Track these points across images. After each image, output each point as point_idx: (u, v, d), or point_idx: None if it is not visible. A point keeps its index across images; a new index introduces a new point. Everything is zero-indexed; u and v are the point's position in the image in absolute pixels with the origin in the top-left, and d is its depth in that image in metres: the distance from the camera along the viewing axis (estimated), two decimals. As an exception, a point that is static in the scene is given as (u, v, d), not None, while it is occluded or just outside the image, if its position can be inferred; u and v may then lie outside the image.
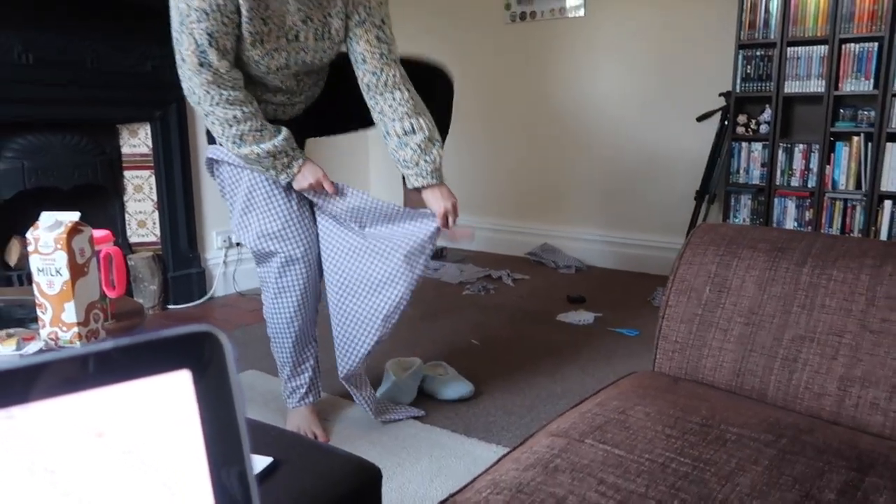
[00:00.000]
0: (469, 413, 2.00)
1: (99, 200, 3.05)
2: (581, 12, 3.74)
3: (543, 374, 2.30)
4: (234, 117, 1.53)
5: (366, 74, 1.66)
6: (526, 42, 3.96)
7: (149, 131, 3.04)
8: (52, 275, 1.19)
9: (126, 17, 2.82)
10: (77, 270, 1.20)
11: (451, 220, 1.72)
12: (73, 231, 1.20)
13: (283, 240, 1.72)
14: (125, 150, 3.06)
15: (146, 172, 3.09)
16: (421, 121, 1.67)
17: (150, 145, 3.05)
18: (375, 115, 1.70)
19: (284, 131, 1.61)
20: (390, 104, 1.66)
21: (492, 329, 2.77)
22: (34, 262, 1.19)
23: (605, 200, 3.85)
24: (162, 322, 2.96)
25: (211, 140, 1.74)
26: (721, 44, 3.32)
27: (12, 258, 2.77)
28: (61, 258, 1.18)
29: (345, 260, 1.75)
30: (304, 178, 1.65)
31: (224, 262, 3.38)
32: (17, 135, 2.67)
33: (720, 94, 3.33)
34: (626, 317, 2.91)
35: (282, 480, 0.91)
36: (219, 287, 3.36)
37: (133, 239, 3.14)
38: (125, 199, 3.10)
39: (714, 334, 1.13)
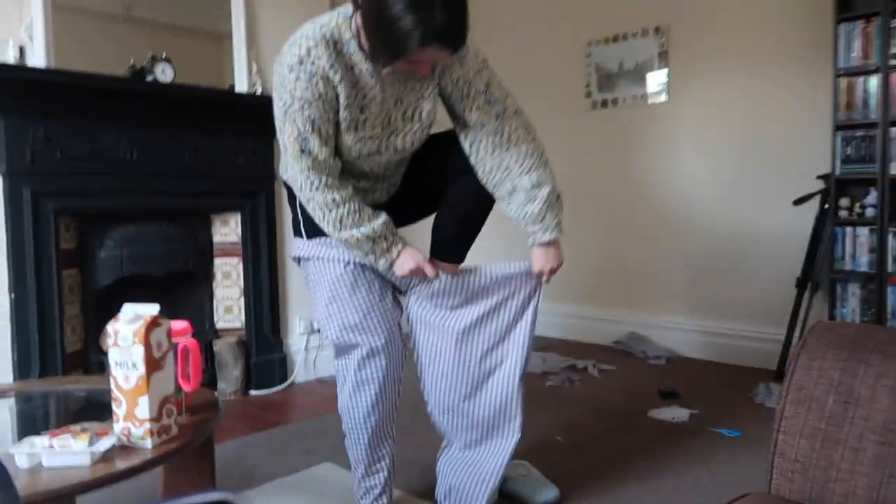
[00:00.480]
0: (554, 521, 1.84)
1: (189, 286, 3.15)
2: (663, 97, 3.69)
3: (634, 479, 2.11)
4: (334, 201, 1.53)
5: (486, 137, 1.63)
6: (607, 128, 3.93)
7: (239, 220, 3.15)
8: (128, 369, 1.18)
9: (221, 115, 2.98)
10: (153, 365, 1.19)
11: (545, 279, 1.74)
12: (152, 325, 1.20)
13: (364, 331, 1.68)
14: (216, 238, 3.17)
15: (235, 260, 3.18)
16: (548, 172, 1.67)
17: (240, 234, 3.16)
18: (497, 176, 1.64)
19: (383, 215, 1.60)
20: (516, 158, 1.63)
21: (577, 425, 2.60)
22: (113, 356, 1.19)
23: (695, 286, 3.66)
24: (243, 408, 2.95)
25: (297, 233, 1.75)
26: (815, 125, 3.17)
27: (107, 344, 2.86)
28: (138, 352, 1.17)
29: (449, 370, 1.75)
30: (406, 263, 1.62)
31: (305, 347, 3.39)
32: (119, 224, 2.82)
33: (818, 177, 3.15)
34: (724, 414, 2.68)
35: None
36: (300, 373, 3.36)
37: (219, 324, 3.20)
38: (214, 285, 3.19)
39: (843, 454, 0.98)
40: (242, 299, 3.18)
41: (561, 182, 1.73)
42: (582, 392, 3.05)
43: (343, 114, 1.51)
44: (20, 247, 2.47)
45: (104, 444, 1.13)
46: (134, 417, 1.18)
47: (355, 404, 1.74)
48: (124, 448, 1.18)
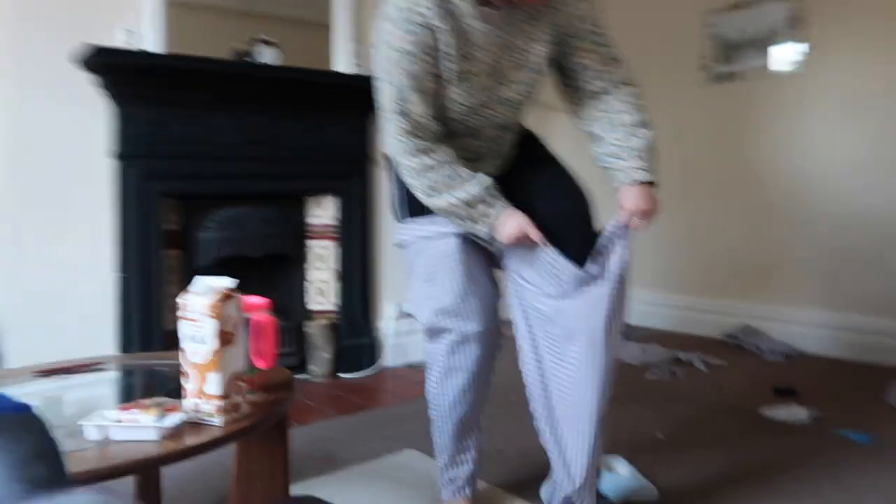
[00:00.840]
0: (652, 524, 1.68)
1: (283, 268, 3.19)
2: (795, 68, 3.35)
3: (745, 482, 1.91)
4: (427, 165, 1.44)
5: (589, 82, 1.55)
6: (727, 102, 3.63)
7: (334, 203, 3.15)
8: (198, 343, 1.15)
9: (321, 98, 2.98)
10: (225, 339, 1.15)
11: (640, 223, 1.52)
12: (225, 298, 1.16)
13: (458, 316, 1.58)
14: (311, 220, 3.19)
15: (329, 242, 3.18)
16: (650, 121, 1.55)
17: (335, 216, 3.16)
18: (600, 117, 1.55)
19: (481, 176, 1.48)
20: (622, 98, 1.54)
21: (680, 421, 2.41)
22: (182, 329, 1.16)
23: (822, 277, 3.32)
24: (331, 391, 2.96)
25: (400, 215, 1.66)
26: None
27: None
28: (210, 326, 1.14)
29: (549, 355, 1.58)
30: (505, 227, 1.47)
31: (396, 332, 3.36)
32: (220, 207, 2.89)
33: (970, 153, 2.76)
34: (852, 417, 2.39)
35: None
36: (389, 357, 3.33)
37: (311, 307, 3.22)
38: (307, 267, 3.21)
39: None
40: (335, 282, 3.19)
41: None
42: (686, 387, 2.83)
43: (447, 65, 1.41)
44: (128, 227, 2.57)
45: (172, 420, 1.11)
46: (203, 393, 1.15)
47: (443, 391, 1.66)
48: (194, 425, 1.15)
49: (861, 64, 3.12)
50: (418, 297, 1.63)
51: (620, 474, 1.85)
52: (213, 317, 1.13)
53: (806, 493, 1.84)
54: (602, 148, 1.54)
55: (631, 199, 1.50)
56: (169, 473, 2.06)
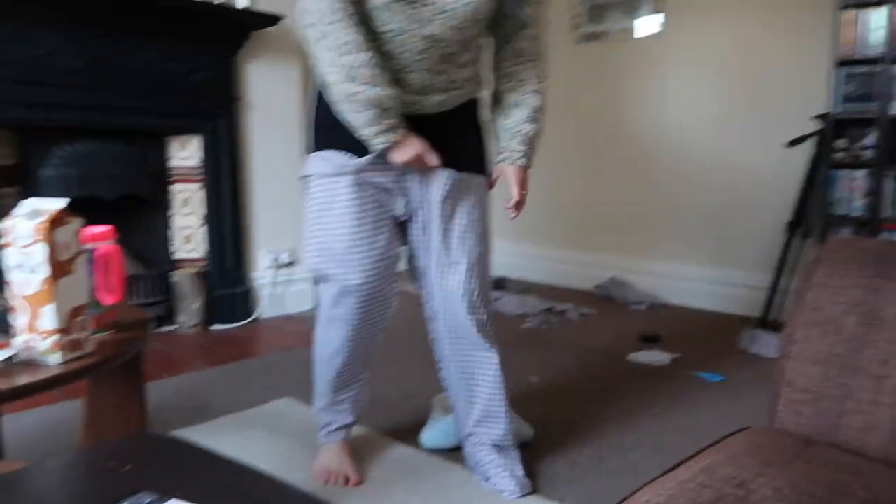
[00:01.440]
0: (528, 462, 1.71)
1: (144, 213, 2.94)
2: (656, 30, 3.47)
3: (613, 420, 1.99)
4: (353, 42, 1.30)
5: (522, 40, 1.52)
6: (595, 63, 3.71)
7: (199, 143, 2.93)
8: (28, 272, 1.00)
9: (179, 25, 2.73)
10: (59, 268, 1.01)
11: (517, 203, 1.57)
12: (56, 221, 1.01)
13: (342, 265, 1.48)
14: (174, 162, 2.95)
15: (195, 186, 2.97)
16: (545, 108, 1.56)
17: (200, 158, 2.94)
18: (510, 84, 1.54)
19: (398, 91, 1.38)
20: (532, 75, 1.53)
21: (554, 367, 2.48)
22: (9, 258, 1.00)
23: (682, 232, 3.52)
24: (201, 342, 2.79)
25: (310, 147, 1.53)
26: (813, 61, 2.99)
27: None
28: (40, 252, 0.99)
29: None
30: (407, 149, 1.40)
31: (273, 282, 3.22)
32: (65, 141, 2.59)
33: (814, 117, 2.99)
34: (707, 360, 2.57)
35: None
36: (266, 309, 3.19)
37: (178, 255, 3.01)
38: (172, 212, 2.98)
39: (862, 382, 0.83)
40: (203, 228, 2.99)
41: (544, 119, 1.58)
42: (560, 335, 2.92)
43: None
44: (-49, 160, 2.25)
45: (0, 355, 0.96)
46: (38, 329, 1.01)
47: (326, 338, 1.58)
48: (28, 364, 1.01)
49: (711, 29, 3.28)
50: (307, 237, 1.52)
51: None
52: (42, 241, 0.99)
53: (667, 428, 1.94)
54: (503, 120, 1.55)
55: (520, 181, 1.56)
56: (11, 427, 1.86)
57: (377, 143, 1.38)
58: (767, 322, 2.96)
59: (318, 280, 1.55)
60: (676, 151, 3.50)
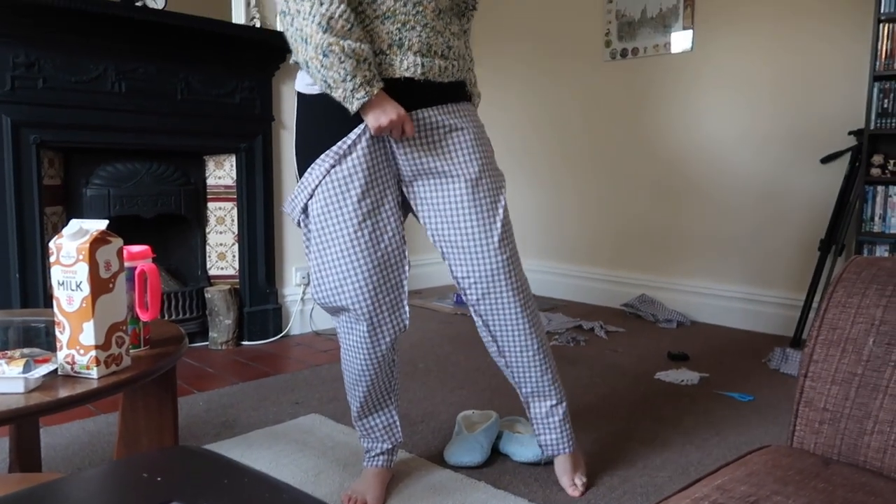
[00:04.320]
0: (550, 479, 1.72)
1: (181, 231, 3.03)
2: (688, 46, 3.48)
3: (639, 439, 1.98)
4: None
5: (470, 22, 1.63)
6: (627, 79, 3.73)
7: (234, 163, 3.01)
8: (71, 290, 1.05)
9: (216, 49, 2.82)
10: (100, 286, 1.06)
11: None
12: (99, 241, 1.06)
13: (343, 295, 1.48)
14: (210, 181, 3.04)
15: (229, 204, 3.05)
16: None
17: (235, 177, 3.02)
18: (465, 64, 1.60)
19: (371, 46, 1.37)
20: (469, 54, 1.63)
21: (580, 385, 2.48)
22: (55, 275, 1.06)
23: (712, 249, 3.49)
24: (233, 358, 2.85)
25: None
26: (848, 76, 2.96)
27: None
28: (82, 271, 1.04)
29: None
30: (385, 112, 1.36)
31: (302, 299, 3.28)
32: (107, 162, 2.69)
33: (850, 133, 2.96)
34: (736, 379, 2.54)
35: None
36: (295, 325, 3.25)
37: (212, 271, 3.08)
38: (207, 230, 3.06)
39: (883, 402, 0.83)
40: (236, 246, 3.06)
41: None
42: (587, 353, 2.91)
43: None
44: (1, 180, 2.35)
45: (41, 371, 1.01)
46: (79, 344, 1.06)
47: (348, 364, 1.60)
48: (68, 378, 1.05)
49: (745, 45, 3.27)
50: (311, 270, 1.54)
51: (524, 434, 1.88)
52: (85, 260, 1.04)
53: (692, 447, 1.93)
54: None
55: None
56: (49, 440, 1.92)
57: (357, 98, 1.33)
58: (801, 342, 2.91)
59: (327, 311, 1.57)
60: (707, 168, 3.48)
